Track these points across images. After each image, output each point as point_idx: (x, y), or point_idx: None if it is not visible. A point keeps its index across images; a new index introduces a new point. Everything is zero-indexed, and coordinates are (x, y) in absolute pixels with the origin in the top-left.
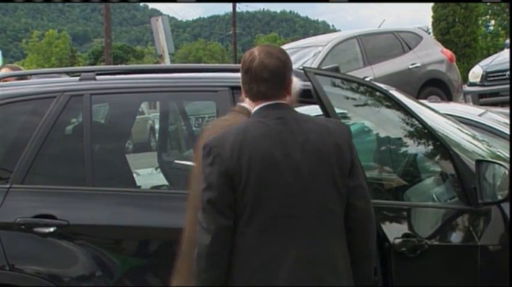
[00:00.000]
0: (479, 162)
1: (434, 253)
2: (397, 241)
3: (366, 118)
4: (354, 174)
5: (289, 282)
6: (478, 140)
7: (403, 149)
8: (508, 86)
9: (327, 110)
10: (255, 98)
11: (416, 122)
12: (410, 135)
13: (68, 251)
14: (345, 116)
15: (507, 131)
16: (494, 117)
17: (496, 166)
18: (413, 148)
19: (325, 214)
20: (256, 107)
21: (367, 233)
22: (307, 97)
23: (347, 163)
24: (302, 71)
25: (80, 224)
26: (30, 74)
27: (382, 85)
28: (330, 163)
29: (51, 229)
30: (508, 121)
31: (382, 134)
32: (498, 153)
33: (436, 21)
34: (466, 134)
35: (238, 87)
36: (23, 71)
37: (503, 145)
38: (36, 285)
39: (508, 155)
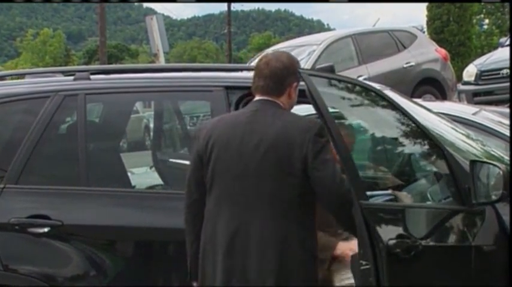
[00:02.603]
0: (473, 162)
1: (429, 253)
2: (391, 242)
3: (360, 118)
4: (316, 166)
5: (225, 252)
6: (472, 139)
7: (397, 148)
8: (502, 84)
9: (321, 111)
10: (254, 92)
11: (410, 122)
12: (404, 135)
13: (62, 252)
14: (339, 116)
15: (501, 129)
16: (489, 116)
17: (490, 166)
18: (407, 147)
19: (268, 197)
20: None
21: (336, 215)
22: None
23: (302, 156)
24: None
25: (74, 225)
26: (25, 74)
27: (376, 85)
28: (283, 154)
29: (46, 229)
30: (502, 120)
31: (376, 134)
32: (492, 152)
33: (431, 20)
34: (461, 133)
35: (233, 87)
36: (18, 70)
37: (498, 143)
38: (30, 285)
39: (502, 155)
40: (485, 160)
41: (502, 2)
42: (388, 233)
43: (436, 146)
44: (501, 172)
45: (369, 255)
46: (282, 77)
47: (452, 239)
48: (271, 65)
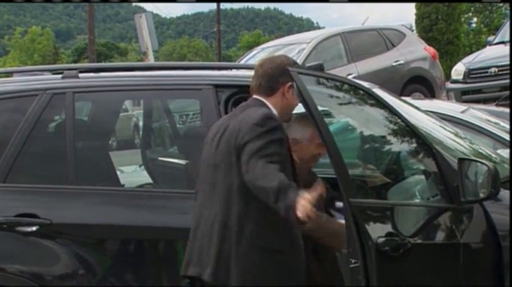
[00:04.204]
0: (461, 160)
1: (417, 251)
2: (380, 240)
3: (349, 116)
4: (242, 155)
5: (191, 236)
6: (460, 137)
7: (386, 147)
8: (490, 83)
9: (310, 109)
10: (251, 92)
11: (399, 120)
12: (393, 133)
13: (50, 250)
14: (328, 114)
15: (489, 128)
16: (477, 114)
17: (478, 164)
18: (396, 145)
19: (219, 185)
20: None
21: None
22: None
23: (240, 145)
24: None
25: (63, 223)
26: (13, 72)
27: (365, 83)
28: (232, 145)
29: (34, 228)
30: (490, 118)
31: (365, 132)
32: (480, 150)
33: (419, 18)
34: (449, 131)
35: (222, 86)
36: (8, 68)
37: (486, 142)
38: (18, 284)
39: (490, 152)
40: (473, 157)
41: (502, 2)
42: (377, 231)
43: (425, 144)
44: (489, 170)
45: (358, 253)
46: (274, 76)
47: (440, 236)
48: (264, 65)
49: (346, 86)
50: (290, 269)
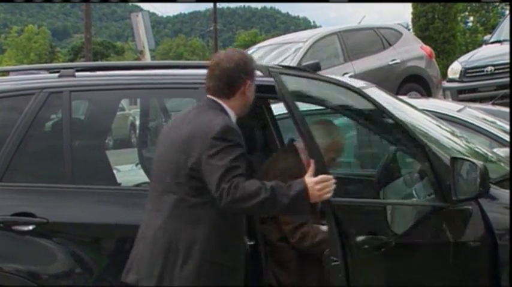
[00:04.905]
0: (454, 159)
1: (409, 250)
2: (361, 238)
3: (338, 116)
4: (205, 171)
5: (136, 241)
6: (456, 136)
7: (380, 146)
8: (486, 82)
9: (291, 109)
10: (208, 91)
11: (390, 120)
12: (387, 132)
13: (47, 249)
14: (320, 113)
15: (485, 126)
16: (473, 113)
17: (470, 163)
18: (390, 145)
19: (167, 194)
20: None
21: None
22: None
23: (197, 158)
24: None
25: (59, 222)
26: (9, 71)
27: (361, 82)
28: (184, 154)
29: (31, 227)
30: (486, 117)
31: (355, 133)
32: (476, 149)
33: (416, 17)
34: (445, 130)
35: None
36: (3, 67)
37: (482, 140)
38: (15, 283)
39: (486, 151)
40: (464, 157)
41: (502, 2)
42: (358, 229)
43: (418, 144)
44: (478, 169)
45: (339, 252)
46: (233, 78)
47: (430, 235)
48: (221, 66)
49: (334, 87)
50: (234, 281)
